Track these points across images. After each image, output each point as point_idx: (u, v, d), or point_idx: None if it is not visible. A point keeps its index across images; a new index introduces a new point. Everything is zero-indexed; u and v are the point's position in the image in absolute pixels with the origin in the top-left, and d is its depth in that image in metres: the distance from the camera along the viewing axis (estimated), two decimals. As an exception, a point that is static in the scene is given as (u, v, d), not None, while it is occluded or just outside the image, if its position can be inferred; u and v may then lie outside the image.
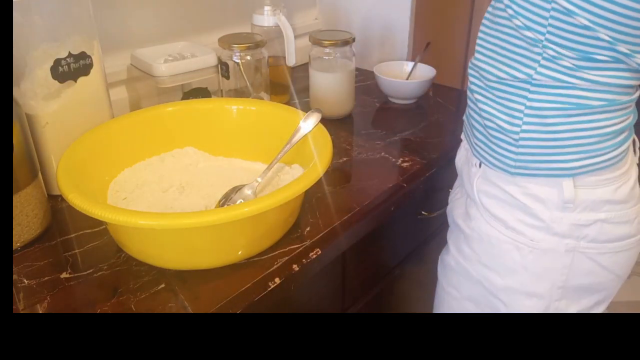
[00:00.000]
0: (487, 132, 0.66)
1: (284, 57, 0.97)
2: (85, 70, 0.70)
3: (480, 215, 0.69)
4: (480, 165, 0.69)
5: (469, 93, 0.69)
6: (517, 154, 0.63)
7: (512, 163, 0.64)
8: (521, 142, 0.63)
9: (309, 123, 0.69)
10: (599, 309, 0.70)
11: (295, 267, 0.62)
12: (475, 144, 0.69)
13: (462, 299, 0.75)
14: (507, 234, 0.66)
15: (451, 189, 0.83)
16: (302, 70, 1.11)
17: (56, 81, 0.68)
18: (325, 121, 0.70)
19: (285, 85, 1.05)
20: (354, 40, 0.95)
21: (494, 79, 0.63)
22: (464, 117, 0.75)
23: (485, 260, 0.69)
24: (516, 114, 0.62)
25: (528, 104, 0.60)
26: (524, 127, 0.62)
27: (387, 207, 0.75)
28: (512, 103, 0.62)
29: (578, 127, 0.60)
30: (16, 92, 0.65)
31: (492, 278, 0.69)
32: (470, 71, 0.68)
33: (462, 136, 0.77)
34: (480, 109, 0.66)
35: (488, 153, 0.67)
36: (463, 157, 0.76)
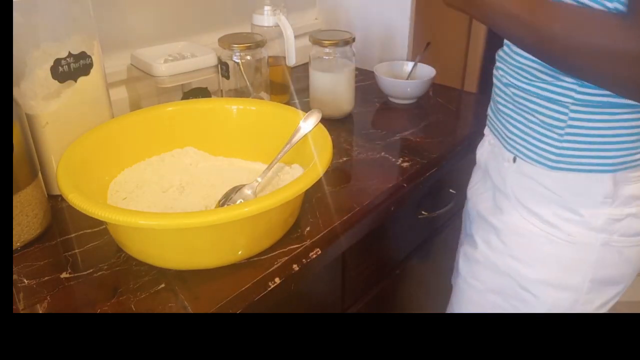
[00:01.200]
0: (528, 127, 0.65)
1: (284, 57, 0.97)
2: (85, 70, 0.70)
3: (513, 209, 0.69)
4: (514, 160, 0.69)
5: (500, 86, 0.69)
6: (560, 148, 0.63)
7: (554, 158, 0.64)
8: (566, 137, 0.62)
9: (309, 123, 0.69)
10: (616, 300, 0.71)
11: (295, 267, 0.62)
12: (509, 138, 0.69)
13: (485, 291, 0.75)
14: (542, 228, 0.66)
15: (466, 183, 0.82)
16: (302, 70, 1.11)
17: (56, 81, 0.68)
18: (325, 121, 0.70)
19: (285, 85, 1.05)
20: (354, 40, 0.95)
21: (541, 75, 0.62)
22: (489, 112, 0.74)
23: (517, 253, 0.69)
24: (562, 109, 0.61)
25: (577, 96, 0.60)
26: (570, 122, 0.61)
27: (387, 207, 0.75)
28: (559, 97, 0.61)
29: (624, 124, 0.60)
30: (16, 92, 0.65)
31: (524, 271, 0.69)
32: (503, 65, 0.67)
33: (486, 131, 0.77)
34: (519, 103, 0.66)
35: (526, 148, 0.66)
36: (487, 152, 0.76)
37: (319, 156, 0.62)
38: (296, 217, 0.68)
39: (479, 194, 0.78)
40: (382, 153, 0.86)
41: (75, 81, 0.70)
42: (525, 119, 0.66)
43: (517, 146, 0.68)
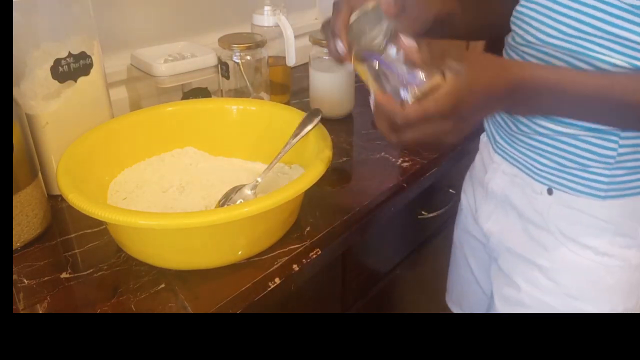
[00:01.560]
0: (568, 160, 0.61)
1: (284, 57, 0.97)
2: (85, 70, 0.70)
3: (560, 245, 0.64)
4: (550, 192, 0.64)
5: (522, 119, 0.63)
6: (611, 177, 0.59)
7: (605, 187, 0.60)
8: (617, 165, 0.58)
9: (309, 123, 0.69)
10: None
11: (295, 267, 0.62)
12: (540, 170, 0.63)
13: None
14: (598, 260, 0.63)
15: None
16: (302, 70, 1.11)
17: (56, 81, 0.68)
18: (325, 121, 0.70)
19: (285, 85, 1.05)
20: (354, 40, 0.95)
21: None
22: (499, 139, 0.69)
23: (574, 292, 0.65)
24: (612, 137, 0.57)
25: None
26: (621, 150, 0.58)
27: (387, 207, 0.75)
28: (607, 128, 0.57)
29: None
30: (16, 92, 0.65)
31: (583, 307, 0.65)
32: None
33: (495, 158, 0.70)
34: (551, 137, 0.61)
35: (568, 180, 0.61)
36: (505, 182, 0.69)
37: (319, 156, 0.62)
38: (296, 217, 0.68)
39: (505, 230, 0.71)
40: (382, 153, 0.86)
41: (75, 81, 0.70)
42: (564, 150, 0.61)
43: (555, 178, 0.63)
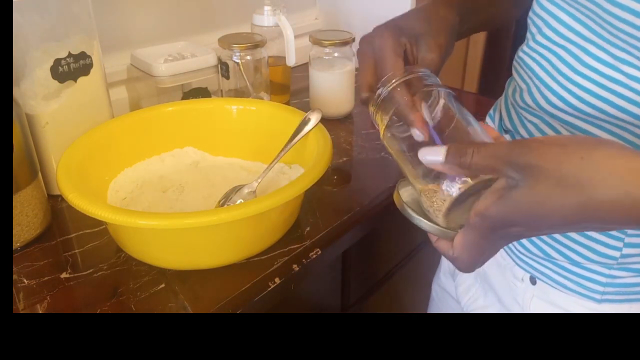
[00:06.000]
0: (559, 253, 0.52)
1: (284, 57, 0.97)
2: (85, 70, 0.70)
3: None
4: (533, 282, 0.55)
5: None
6: (609, 276, 0.50)
7: (601, 289, 0.51)
8: (617, 266, 0.50)
9: (309, 123, 0.69)
10: None
11: (295, 267, 0.62)
12: (524, 255, 0.55)
13: None
14: None
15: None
16: (302, 70, 1.11)
17: (56, 81, 0.68)
18: (325, 121, 0.70)
19: (285, 85, 1.05)
20: (353, 40, 0.95)
21: None
22: None
23: None
24: (618, 234, 0.48)
25: None
26: (626, 250, 0.48)
27: (387, 207, 0.75)
28: None
29: None
30: (16, 92, 0.65)
31: None
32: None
33: None
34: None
35: (557, 273, 0.53)
36: None
37: (319, 156, 0.62)
38: (296, 217, 0.68)
39: (479, 307, 0.65)
40: (382, 153, 0.86)
41: (75, 81, 0.70)
42: (557, 241, 0.51)
43: (540, 267, 0.54)
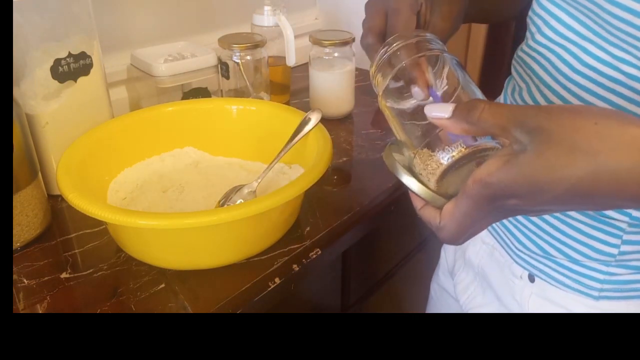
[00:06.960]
0: (558, 250, 0.52)
1: (284, 57, 0.97)
2: (85, 70, 0.70)
3: None
4: (532, 279, 0.55)
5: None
6: (607, 274, 0.50)
7: (599, 286, 0.50)
8: (615, 263, 0.49)
9: (309, 123, 0.69)
10: None
11: (295, 267, 0.62)
12: (521, 252, 0.54)
13: None
14: None
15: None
16: (302, 70, 1.11)
17: (56, 81, 0.68)
18: (325, 121, 0.70)
19: (285, 85, 1.05)
20: (353, 40, 0.95)
21: None
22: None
23: None
24: (616, 231, 0.48)
25: (636, 214, 0.47)
26: (624, 247, 0.48)
27: (387, 207, 0.75)
28: (612, 220, 0.48)
29: None
30: (16, 92, 0.65)
31: None
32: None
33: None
34: (545, 221, 0.51)
35: (555, 270, 0.52)
36: (483, 252, 0.61)
37: (319, 156, 0.62)
38: (296, 217, 0.68)
39: (478, 305, 0.64)
40: (382, 153, 0.86)
41: (75, 81, 0.70)
42: (552, 237, 0.51)
43: (538, 265, 0.53)
